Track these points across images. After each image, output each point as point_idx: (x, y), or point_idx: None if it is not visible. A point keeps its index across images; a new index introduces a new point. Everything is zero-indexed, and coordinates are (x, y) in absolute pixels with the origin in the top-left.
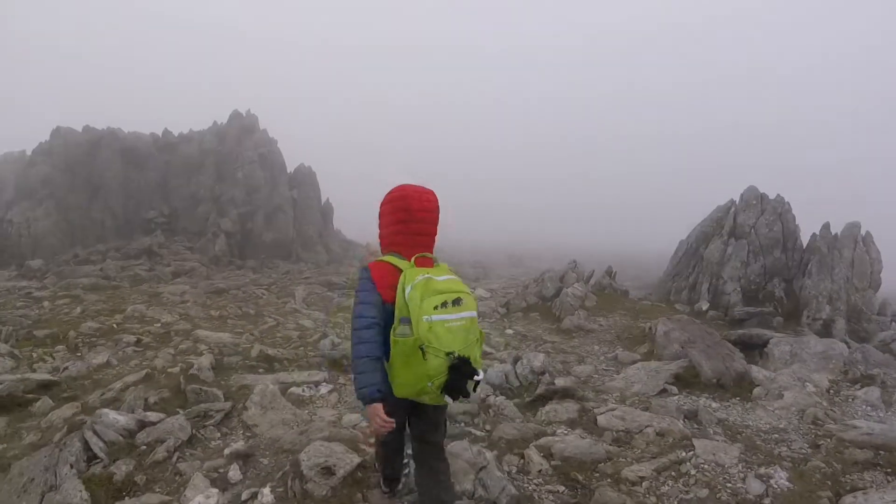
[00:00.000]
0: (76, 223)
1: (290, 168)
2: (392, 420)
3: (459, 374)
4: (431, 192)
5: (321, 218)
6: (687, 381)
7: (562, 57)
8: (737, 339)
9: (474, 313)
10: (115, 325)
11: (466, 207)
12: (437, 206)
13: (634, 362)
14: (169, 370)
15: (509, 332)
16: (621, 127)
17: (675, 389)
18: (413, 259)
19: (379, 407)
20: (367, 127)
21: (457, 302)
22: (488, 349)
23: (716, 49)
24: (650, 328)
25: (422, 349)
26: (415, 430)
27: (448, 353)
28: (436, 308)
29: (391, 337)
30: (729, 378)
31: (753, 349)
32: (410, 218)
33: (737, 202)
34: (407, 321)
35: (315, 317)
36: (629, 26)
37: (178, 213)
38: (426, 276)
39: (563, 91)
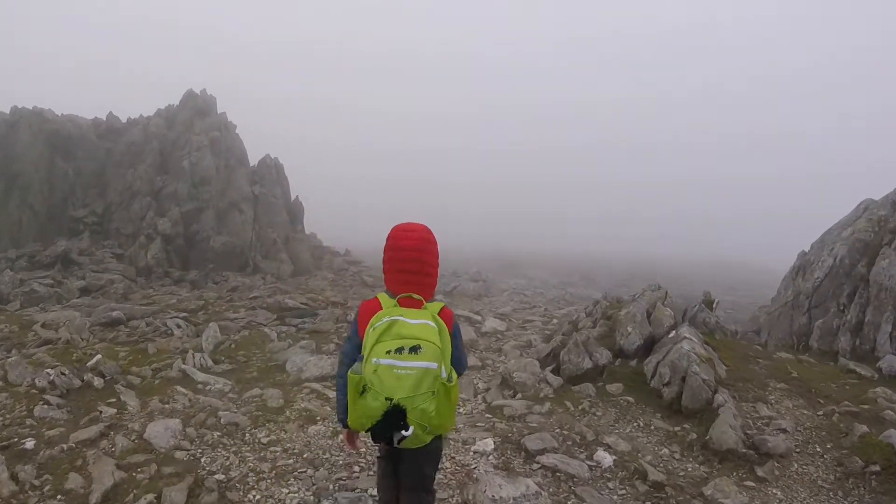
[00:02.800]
0: None
1: (256, 162)
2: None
3: (388, 422)
4: (418, 230)
5: (288, 219)
6: None
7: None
8: None
9: (433, 364)
10: None
11: (447, 212)
12: (423, 245)
13: None
14: None
15: (605, 458)
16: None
17: None
18: (398, 298)
19: (345, 432)
20: (362, 130)
21: (414, 349)
22: None
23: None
24: None
25: (365, 388)
26: (398, 471)
27: (388, 399)
28: (388, 353)
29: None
30: None
31: None
32: (396, 257)
33: None
34: (361, 359)
35: (204, 403)
36: (637, 31)
37: (111, 211)
38: (394, 318)
39: (553, 97)
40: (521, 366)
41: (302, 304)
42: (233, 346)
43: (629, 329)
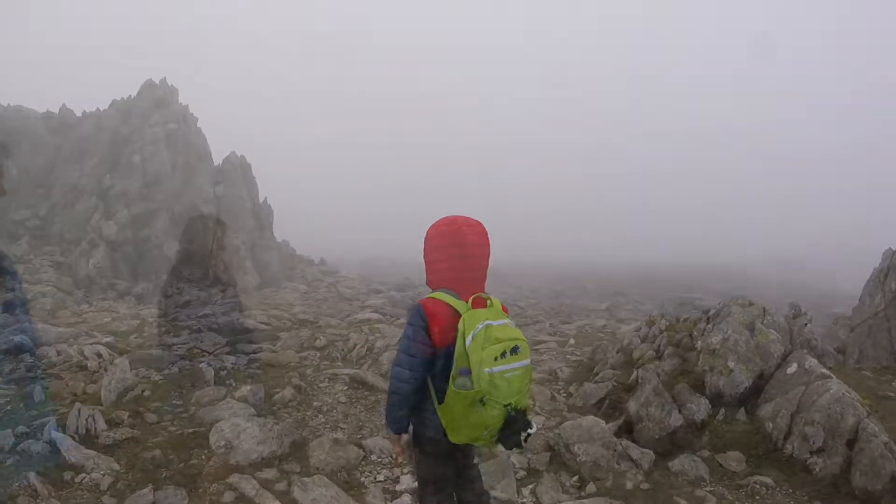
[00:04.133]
0: None
1: (220, 160)
2: (401, 454)
3: (514, 427)
4: (480, 225)
5: (255, 223)
6: None
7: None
8: None
9: (528, 361)
10: None
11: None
12: (487, 240)
13: None
14: None
15: None
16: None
17: None
18: (470, 300)
19: (397, 438)
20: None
21: (514, 350)
22: None
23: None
24: None
25: (482, 401)
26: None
27: (506, 405)
28: (496, 359)
29: (450, 387)
30: None
31: None
32: (461, 253)
33: None
34: (467, 372)
35: None
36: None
37: (55, 214)
38: (486, 322)
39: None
40: (582, 431)
41: (262, 323)
42: (146, 392)
43: (730, 364)
